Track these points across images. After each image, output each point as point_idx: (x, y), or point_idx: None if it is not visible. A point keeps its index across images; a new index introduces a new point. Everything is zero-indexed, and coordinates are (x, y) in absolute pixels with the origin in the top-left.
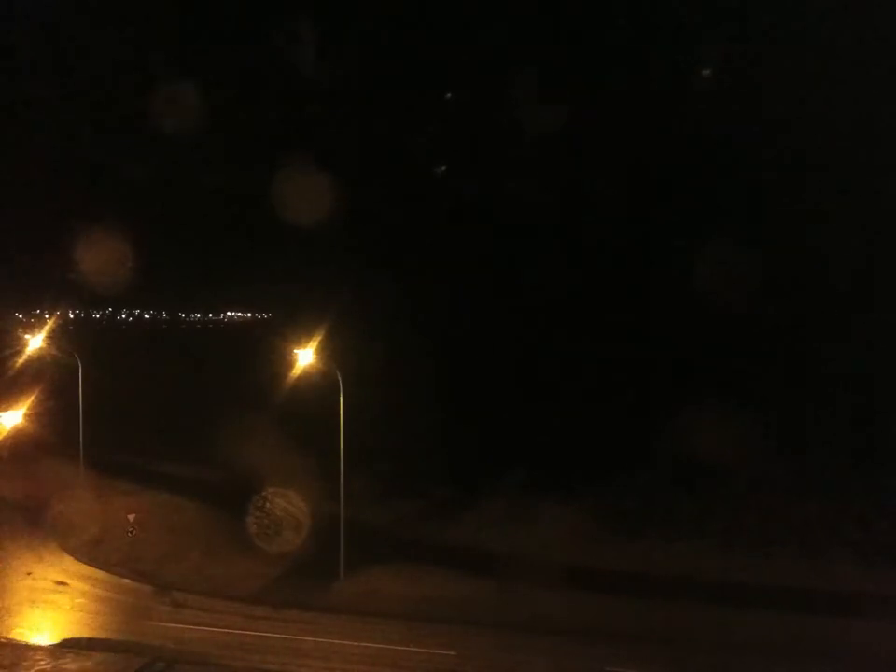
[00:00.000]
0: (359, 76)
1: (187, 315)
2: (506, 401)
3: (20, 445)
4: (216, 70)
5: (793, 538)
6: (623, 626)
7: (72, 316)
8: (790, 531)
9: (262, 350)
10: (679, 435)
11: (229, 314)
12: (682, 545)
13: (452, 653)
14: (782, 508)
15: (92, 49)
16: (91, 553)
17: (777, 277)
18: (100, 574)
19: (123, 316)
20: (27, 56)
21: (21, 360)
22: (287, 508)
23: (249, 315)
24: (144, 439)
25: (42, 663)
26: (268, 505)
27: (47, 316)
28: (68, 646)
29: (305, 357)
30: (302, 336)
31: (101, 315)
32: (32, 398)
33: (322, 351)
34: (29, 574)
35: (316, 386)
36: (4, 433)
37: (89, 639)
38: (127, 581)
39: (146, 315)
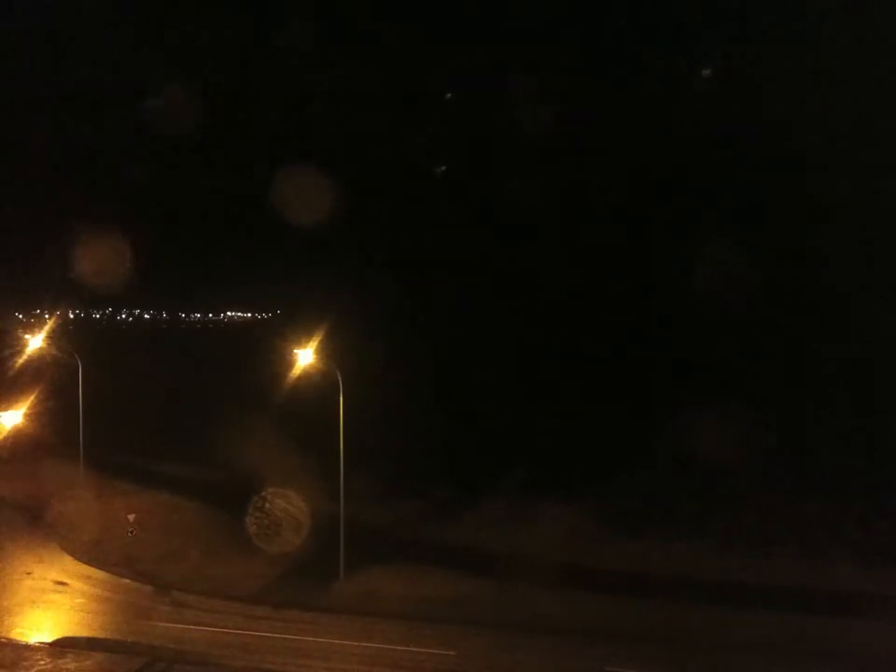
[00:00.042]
0: (359, 76)
1: (187, 315)
2: (506, 401)
3: (20, 445)
4: (216, 70)
5: (793, 538)
6: (623, 626)
7: (72, 316)
8: (790, 531)
9: (262, 350)
10: (678, 435)
11: (229, 314)
12: (682, 545)
13: (452, 653)
14: (782, 508)
15: (92, 48)
16: (91, 553)
17: (776, 277)
18: (100, 574)
19: (123, 316)
20: (27, 56)
21: (21, 360)
22: (286, 508)
23: (249, 315)
24: (144, 439)
25: (42, 663)
26: (268, 505)
27: (47, 316)
28: (68, 646)
29: (305, 356)
30: (302, 336)
31: (101, 315)
32: (32, 398)
33: (322, 351)
34: (29, 574)
35: (316, 386)
36: (4, 433)
37: (89, 639)
38: (127, 580)
39: (146, 315)
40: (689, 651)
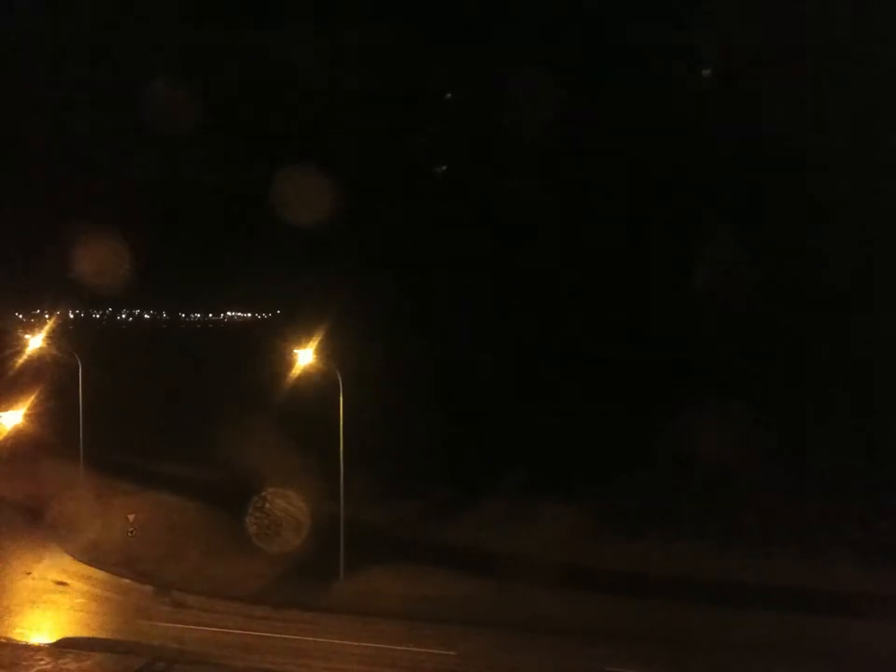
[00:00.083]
0: (359, 76)
1: (187, 315)
2: (506, 401)
3: (20, 445)
4: (216, 70)
5: (793, 538)
6: (623, 626)
7: (72, 316)
8: (790, 531)
9: (262, 350)
10: (678, 435)
11: (229, 314)
12: (682, 545)
13: (452, 653)
14: (782, 508)
15: (92, 48)
16: (90, 553)
17: (776, 277)
18: (100, 574)
19: (123, 316)
20: (27, 56)
21: (21, 360)
22: (286, 508)
23: (249, 315)
24: (144, 439)
25: (42, 663)
26: (268, 505)
27: (47, 316)
28: (68, 646)
29: (305, 356)
30: (302, 336)
31: (101, 315)
32: (32, 398)
33: (322, 351)
34: (29, 574)
35: (316, 386)
36: (4, 433)
37: (89, 639)
38: (127, 580)
39: (146, 315)
40: (689, 650)
